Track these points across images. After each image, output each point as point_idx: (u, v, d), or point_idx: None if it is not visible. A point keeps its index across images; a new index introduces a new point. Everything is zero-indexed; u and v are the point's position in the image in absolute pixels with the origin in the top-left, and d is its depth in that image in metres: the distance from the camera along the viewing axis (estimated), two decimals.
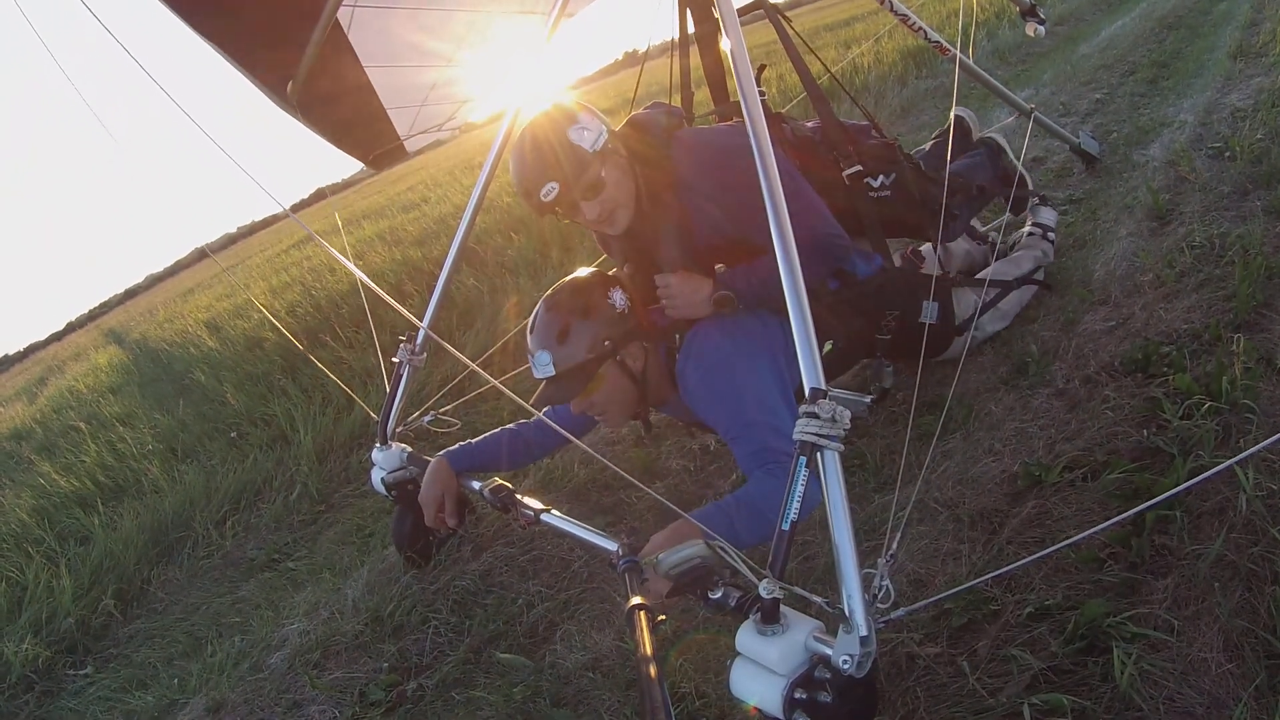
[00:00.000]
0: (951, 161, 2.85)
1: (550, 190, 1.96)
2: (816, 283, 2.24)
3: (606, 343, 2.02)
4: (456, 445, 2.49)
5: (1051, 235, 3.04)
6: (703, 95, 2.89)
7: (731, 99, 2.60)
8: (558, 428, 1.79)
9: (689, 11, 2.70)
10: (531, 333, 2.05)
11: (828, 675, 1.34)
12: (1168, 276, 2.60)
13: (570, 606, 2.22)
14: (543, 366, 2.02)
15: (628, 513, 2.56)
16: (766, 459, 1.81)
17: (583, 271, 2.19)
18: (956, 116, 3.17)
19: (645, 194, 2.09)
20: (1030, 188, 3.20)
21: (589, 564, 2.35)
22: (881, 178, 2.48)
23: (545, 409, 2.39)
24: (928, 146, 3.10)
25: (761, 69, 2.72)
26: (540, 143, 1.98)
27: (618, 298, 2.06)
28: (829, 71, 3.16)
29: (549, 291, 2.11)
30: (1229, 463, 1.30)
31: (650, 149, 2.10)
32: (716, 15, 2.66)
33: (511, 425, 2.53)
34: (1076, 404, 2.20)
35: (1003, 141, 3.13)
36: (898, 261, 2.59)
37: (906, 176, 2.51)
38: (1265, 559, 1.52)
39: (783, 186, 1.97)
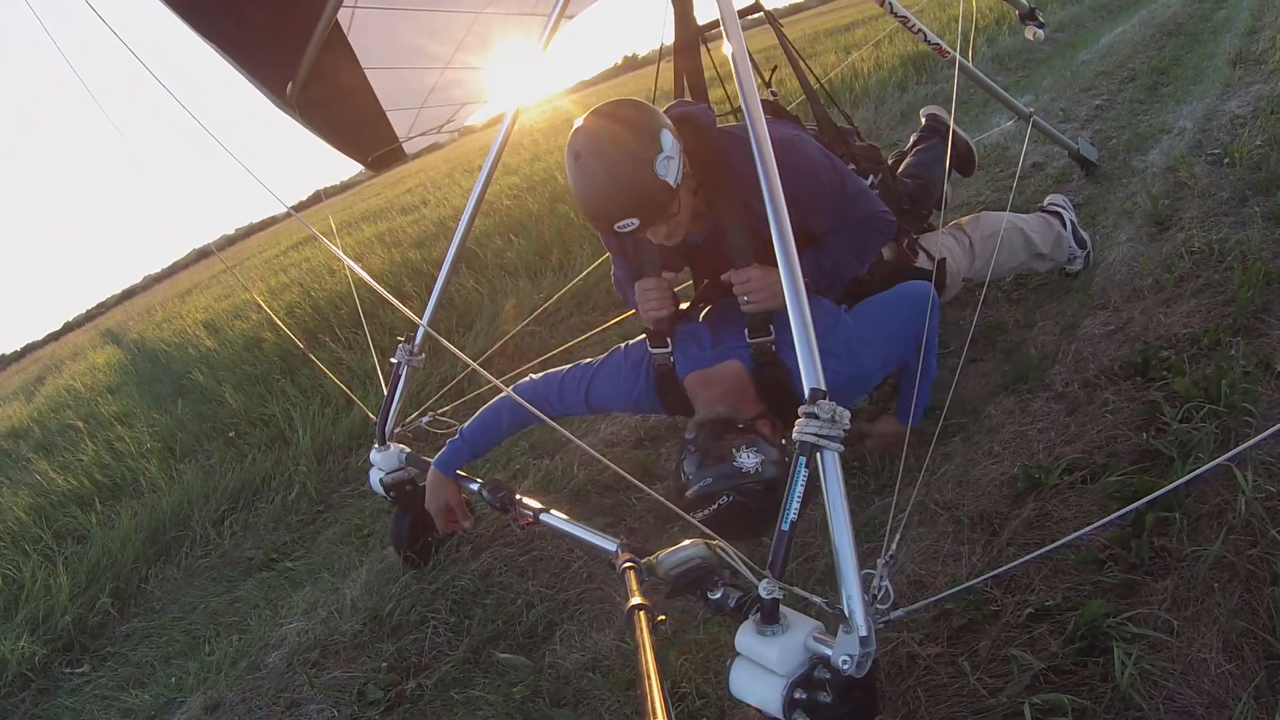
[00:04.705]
0: (914, 160, 2.94)
1: (629, 225, 1.82)
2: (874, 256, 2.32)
3: None
4: (446, 446, 2.37)
5: (1067, 214, 2.89)
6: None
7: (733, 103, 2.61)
8: (540, 414, 1.83)
9: (674, 17, 2.71)
10: (708, 467, 1.74)
11: (827, 675, 1.34)
12: (1167, 281, 2.61)
13: (570, 606, 2.22)
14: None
15: (627, 513, 2.56)
16: None
17: (733, 411, 1.89)
18: (930, 115, 3.23)
19: (704, 196, 2.02)
20: (973, 149, 3.26)
21: (588, 564, 2.35)
22: (871, 177, 2.51)
23: (516, 387, 2.32)
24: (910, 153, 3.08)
25: (774, 70, 2.74)
26: (624, 174, 1.78)
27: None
28: (815, 76, 3.17)
29: (731, 422, 1.83)
30: (1221, 459, 1.31)
31: (703, 147, 2.00)
32: (698, 23, 2.69)
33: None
34: (1076, 407, 2.21)
35: (938, 110, 3.18)
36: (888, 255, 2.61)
37: (888, 178, 2.58)
38: (1264, 560, 1.52)
39: (841, 174, 2.09)
